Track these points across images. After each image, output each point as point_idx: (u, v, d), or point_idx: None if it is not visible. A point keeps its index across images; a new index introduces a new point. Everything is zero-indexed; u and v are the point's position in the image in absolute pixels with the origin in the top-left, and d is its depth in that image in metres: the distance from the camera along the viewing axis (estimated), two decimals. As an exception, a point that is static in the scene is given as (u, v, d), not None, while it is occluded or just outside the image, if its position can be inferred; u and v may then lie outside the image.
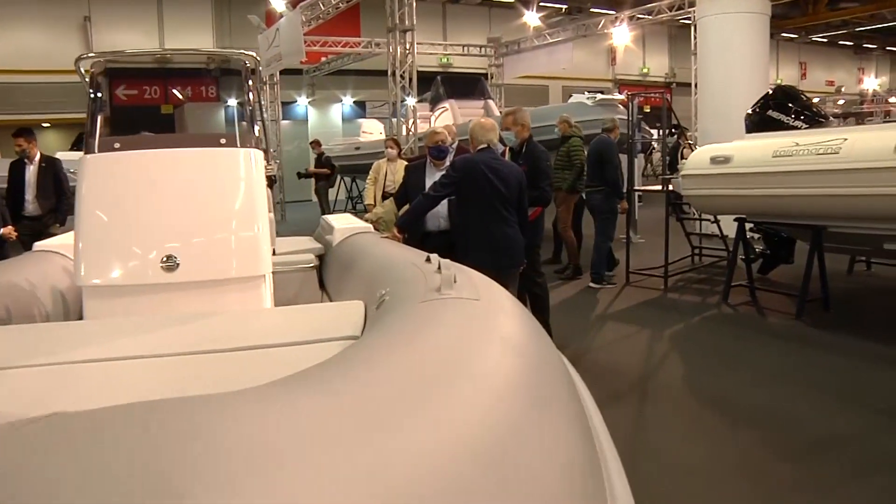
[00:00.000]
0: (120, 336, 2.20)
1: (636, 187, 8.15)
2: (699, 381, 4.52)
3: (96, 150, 2.94)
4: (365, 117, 21.42)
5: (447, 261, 1.93)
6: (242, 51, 3.20)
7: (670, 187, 7.16)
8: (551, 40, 17.35)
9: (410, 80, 11.29)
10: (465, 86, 14.95)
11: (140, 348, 2.04)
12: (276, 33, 14.04)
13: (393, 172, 7.12)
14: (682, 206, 8.16)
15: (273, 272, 4.59)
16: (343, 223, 4.99)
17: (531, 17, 18.16)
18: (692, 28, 13.51)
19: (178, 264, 2.80)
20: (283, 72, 21.29)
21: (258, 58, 3.24)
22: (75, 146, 15.18)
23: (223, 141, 2.98)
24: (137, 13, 22.65)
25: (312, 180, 14.29)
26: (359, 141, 16.48)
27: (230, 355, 1.98)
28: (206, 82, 3.37)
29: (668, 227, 7.26)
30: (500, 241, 4.40)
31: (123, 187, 2.90)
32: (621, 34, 16.64)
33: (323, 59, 21.02)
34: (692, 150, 7.55)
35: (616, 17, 16.27)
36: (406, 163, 6.47)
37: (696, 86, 12.35)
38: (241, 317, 2.51)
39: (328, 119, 23.71)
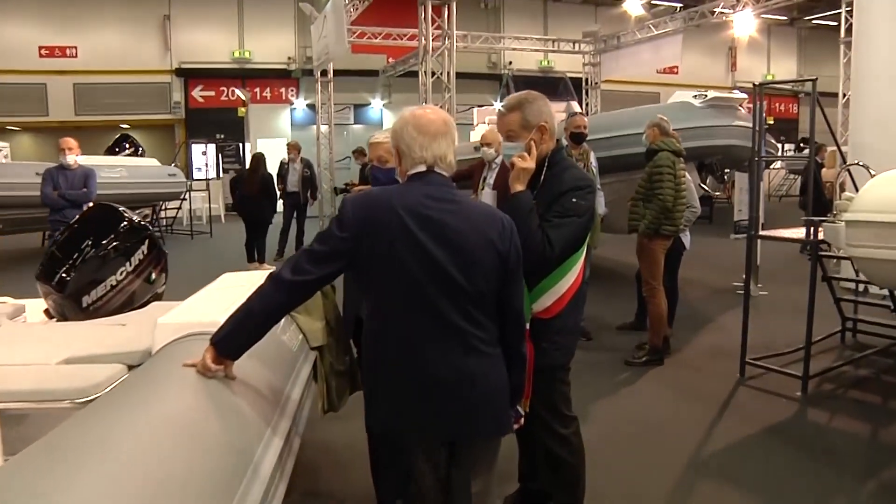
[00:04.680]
0: None
1: (763, 233, 5.42)
2: None
3: None
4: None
5: None
6: None
7: (821, 234, 4.37)
8: (656, 32, 14.29)
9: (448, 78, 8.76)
10: (544, 86, 12.48)
11: None
12: (324, 21, 12.03)
13: None
14: (827, 256, 5.26)
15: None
16: (189, 310, 2.66)
17: (633, 6, 15.18)
18: (822, 29, 10.57)
19: None
20: (356, 72, 19.57)
21: None
22: (110, 150, 13.76)
23: None
24: (217, 11, 21.73)
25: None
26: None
27: None
28: None
29: (813, 299, 4.49)
30: (449, 385, 1.94)
31: None
32: (744, 22, 13.35)
33: (407, 54, 18.80)
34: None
35: (738, 1, 12.98)
36: None
37: (843, 94, 9.64)
38: None
39: (405, 124, 21.74)
